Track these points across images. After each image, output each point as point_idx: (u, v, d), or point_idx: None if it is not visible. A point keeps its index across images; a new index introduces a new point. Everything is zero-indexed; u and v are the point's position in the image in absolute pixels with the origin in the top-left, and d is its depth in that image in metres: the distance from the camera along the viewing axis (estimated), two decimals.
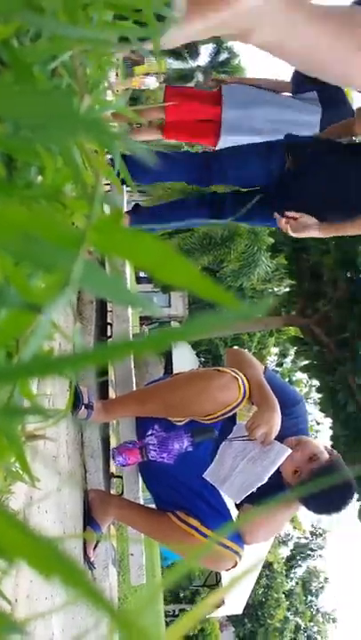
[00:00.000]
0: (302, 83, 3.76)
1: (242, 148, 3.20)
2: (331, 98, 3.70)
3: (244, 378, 2.39)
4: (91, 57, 0.92)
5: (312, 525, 37.55)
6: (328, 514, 2.57)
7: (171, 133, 4.05)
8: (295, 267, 9.70)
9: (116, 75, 10.77)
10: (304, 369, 10.53)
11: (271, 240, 10.70)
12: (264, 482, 2.35)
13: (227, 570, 2.49)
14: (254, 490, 2.36)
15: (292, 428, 2.60)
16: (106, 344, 0.46)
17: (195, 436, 2.43)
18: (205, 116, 3.82)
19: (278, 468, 2.42)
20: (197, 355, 17.43)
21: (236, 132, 3.73)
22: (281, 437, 2.46)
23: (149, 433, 2.46)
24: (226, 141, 3.76)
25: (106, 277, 0.43)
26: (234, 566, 2.53)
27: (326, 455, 2.52)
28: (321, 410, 9.55)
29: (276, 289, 17.25)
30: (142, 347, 0.39)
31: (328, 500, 2.48)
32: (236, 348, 3.34)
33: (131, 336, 2.94)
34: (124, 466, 2.54)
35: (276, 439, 2.47)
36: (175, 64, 19.13)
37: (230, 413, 2.39)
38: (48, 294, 0.46)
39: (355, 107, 3.60)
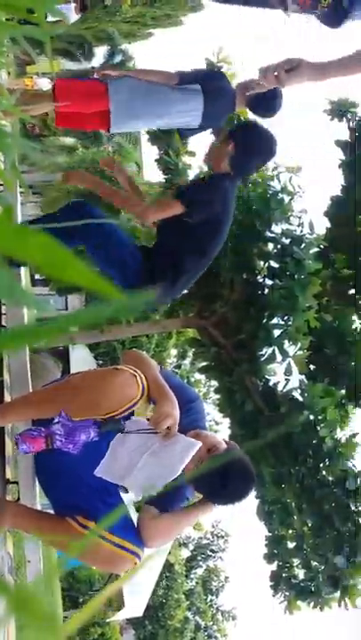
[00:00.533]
0: (187, 75, 4.04)
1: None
2: (213, 89, 3.99)
3: (142, 375, 2.39)
4: None
5: (213, 526, 38.04)
6: (232, 502, 2.61)
7: (63, 122, 4.29)
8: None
9: (8, 73, 10.54)
10: (202, 370, 10.63)
11: None
12: (175, 476, 2.34)
13: (125, 571, 2.47)
14: (159, 486, 2.35)
15: (191, 424, 2.63)
16: None
17: (102, 426, 2.38)
18: (96, 108, 4.03)
19: None
20: (95, 357, 17.30)
21: (125, 121, 4.04)
22: (180, 433, 2.47)
23: (56, 421, 2.38)
24: (118, 128, 4.09)
25: None
26: (134, 567, 2.51)
27: (225, 446, 2.58)
28: (219, 410, 9.68)
29: None
30: (34, 335, 0.41)
31: (231, 489, 2.53)
32: (132, 349, 3.33)
33: None
34: (27, 453, 2.44)
35: None
36: (69, 64, 18.92)
37: (129, 411, 2.38)
38: None
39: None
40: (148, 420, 2.42)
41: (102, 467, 2.43)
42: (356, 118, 8.96)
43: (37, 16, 0.79)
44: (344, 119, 9.00)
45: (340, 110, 8.98)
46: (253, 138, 3.42)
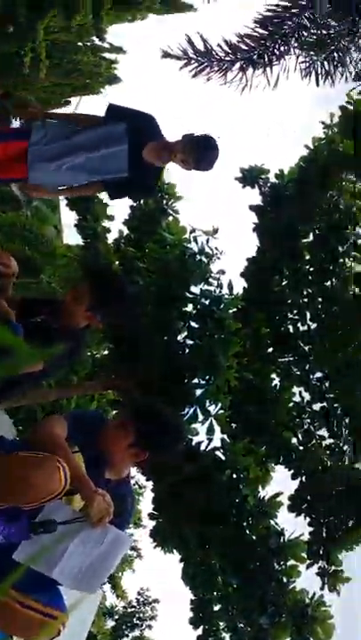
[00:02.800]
0: (112, 117, 3.84)
1: None
2: (138, 129, 3.78)
3: (65, 466, 2.35)
4: None
5: (138, 593, 36.89)
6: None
7: None
8: (112, 331, 9.82)
9: None
10: None
11: None
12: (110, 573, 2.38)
13: (51, 639, 2.43)
14: (103, 580, 2.38)
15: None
16: None
17: (36, 530, 2.36)
18: (14, 153, 3.80)
19: None
20: (14, 423, 16.85)
21: (44, 167, 3.75)
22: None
23: None
24: (35, 176, 3.79)
25: None
26: (58, 634, 2.47)
27: None
28: (142, 473, 9.61)
29: (94, 352, 17.27)
30: None
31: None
32: (39, 425, 3.33)
33: None
34: None
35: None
36: None
37: (51, 502, 2.35)
38: None
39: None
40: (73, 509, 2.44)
41: (21, 551, 2.36)
42: (268, 184, 9.37)
43: None
44: (256, 185, 9.40)
45: (251, 177, 9.39)
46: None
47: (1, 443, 2.76)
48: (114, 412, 12.44)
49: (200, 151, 3.64)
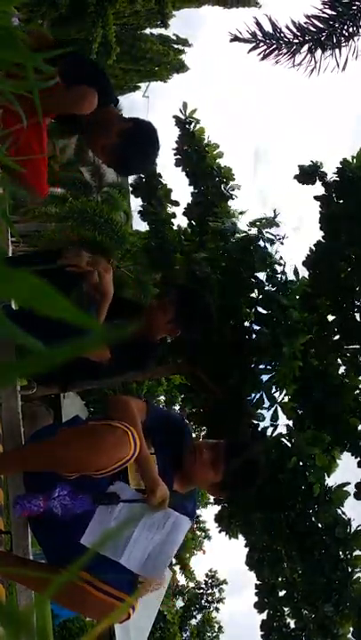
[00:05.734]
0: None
1: None
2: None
3: (134, 431, 2.39)
4: None
5: (207, 575, 37.18)
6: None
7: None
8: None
9: None
10: (191, 416, 10.66)
11: (156, 290, 10.92)
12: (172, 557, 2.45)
13: (121, 622, 2.49)
14: (167, 564, 2.45)
15: (184, 446, 2.77)
16: None
17: (99, 500, 2.44)
18: None
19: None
20: (86, 405, 17.21)
21: None
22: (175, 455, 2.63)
23: (55, 495, 2.45)
24: None
25: None
26: (127, 618, 2.53)
27: (219, 440, 2.77)
28: None
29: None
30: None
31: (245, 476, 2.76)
32: (117, 396, 3.37)
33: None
34: (21, 516, 2.53)
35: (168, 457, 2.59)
36: None
37: (121, 468, 2.39)
38: None
39: None
40: (135, 489, 2.50)
41: (89, 535, 2.42)
42: (328, 176, 9.20)
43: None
44: (317, 179, 9.24)
45: (311, 172, 9.24)
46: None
47: (77, 420, 2.85)
48: (182, 396, 12.56)
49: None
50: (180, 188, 11.93)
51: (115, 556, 2.40)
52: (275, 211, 9.31)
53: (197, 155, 10.76)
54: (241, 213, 10.01)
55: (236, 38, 8.19)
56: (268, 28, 7.86)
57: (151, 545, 2.43)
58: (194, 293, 3.45)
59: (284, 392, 8.60)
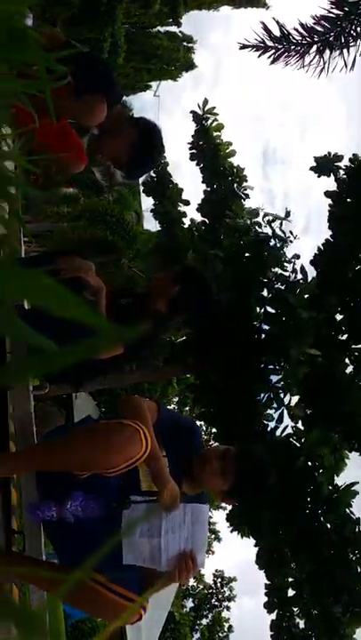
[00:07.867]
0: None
1: None
2: None
3: (145, 430, 2.40)
4: None
5: (214, 575, 37.17)
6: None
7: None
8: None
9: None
10: (201, 416, 10.64)
11: None
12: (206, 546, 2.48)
13: (132, 623, 2.49)
14: (204, 551, 2.48)
15: (194, 448, 2.77)
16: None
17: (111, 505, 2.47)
18: None
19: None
20: (98, 405, 17.23)
21: None
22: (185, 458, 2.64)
23: (68, 507, 2.48)
24: None
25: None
26: (139, 619, 2.53)
27: (228, 446, 2.75)
28: None
29: (173, 337, 17.41)
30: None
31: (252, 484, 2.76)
32: (128, 396, 3.39)
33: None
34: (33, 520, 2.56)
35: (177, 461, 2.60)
36: None
37: (132, 466, 2.39)
38: None
39: None
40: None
41: (127, 556, 2.45)
42: (342, 172, 9.18)
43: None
44: (331, 173, 9.22)
45: (326, 165, 9.21)
46: None
47: (88, 421, 2.88)
48: (192, 395, 12.55)
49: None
50: (191, 185, 11.98)
51: (156, 566, 2.47)
52: (287, 209, 9.29)
53: (211, 152, 10.79)
54: (257, 213, 9.97)
55: (245, 46, 8.22)
56: (275, 31, 7.89)
57: (183, 543, 2.46)
58: (194, 269, 3.70)
59: (292, 393, 8.59)
